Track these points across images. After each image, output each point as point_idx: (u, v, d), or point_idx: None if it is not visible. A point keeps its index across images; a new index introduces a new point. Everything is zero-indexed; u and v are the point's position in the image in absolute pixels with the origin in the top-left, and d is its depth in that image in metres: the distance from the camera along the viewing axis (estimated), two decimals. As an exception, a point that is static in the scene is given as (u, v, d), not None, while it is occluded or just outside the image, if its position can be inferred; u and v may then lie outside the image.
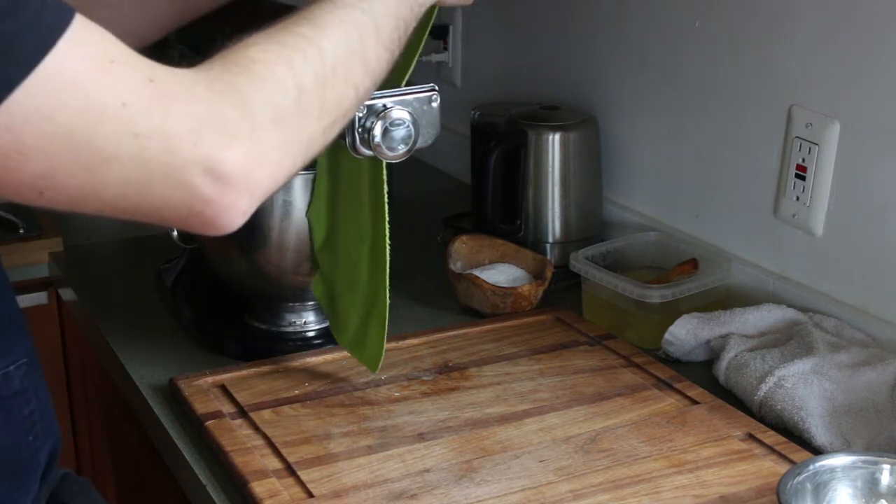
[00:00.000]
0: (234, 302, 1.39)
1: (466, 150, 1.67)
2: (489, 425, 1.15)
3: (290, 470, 1.07)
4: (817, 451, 1.10)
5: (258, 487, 1.04)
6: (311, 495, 1.03)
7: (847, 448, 1.10)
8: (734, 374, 1.23)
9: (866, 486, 0.99)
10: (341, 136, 1.03)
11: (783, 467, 1.06)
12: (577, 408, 1.18)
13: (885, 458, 1.00)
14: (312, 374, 1.25)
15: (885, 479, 1.00)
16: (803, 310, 1.32)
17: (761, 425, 1.15)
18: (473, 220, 1.61)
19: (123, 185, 0.77)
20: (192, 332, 1.38)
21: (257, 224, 1.25)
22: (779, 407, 1.16)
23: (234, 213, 0.81)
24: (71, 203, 0.78)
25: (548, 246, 1.57)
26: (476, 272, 1.44)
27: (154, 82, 0.77)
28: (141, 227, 0.84)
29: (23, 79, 0.71)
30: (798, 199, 1.34)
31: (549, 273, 1.44)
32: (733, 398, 1.22)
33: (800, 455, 1.09)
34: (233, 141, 0.79)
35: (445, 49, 2.01)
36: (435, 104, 1.11)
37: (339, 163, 1.19)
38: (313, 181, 1.23)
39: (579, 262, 1.42)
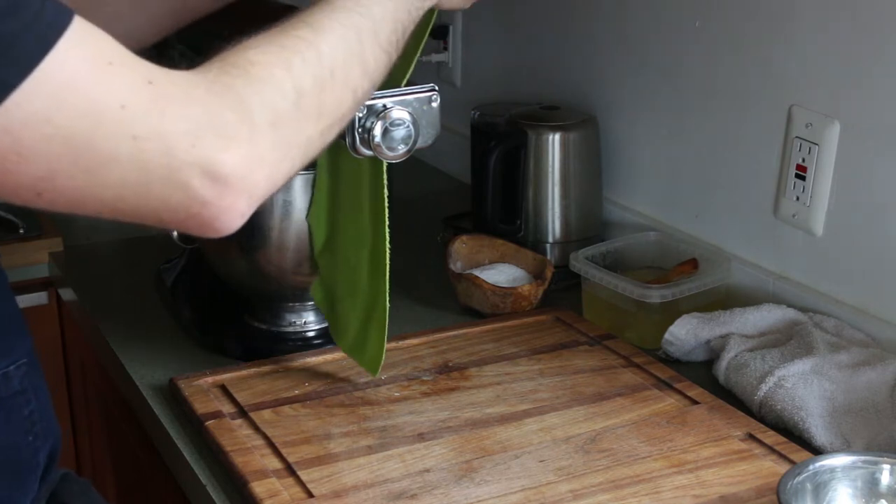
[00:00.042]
0: (234, 302, 1.39)
1: (466, 150, 1.67)
2: (489, 425, 1.15)
3: (290, 470, 1.07)
4: (817, 451, 1.10)
5: (258, 487, 1.04)
6: (311, 495, 1.03)
7: (847, 448, 1.10)
8: (734, 374, 1.23)
9: (866, 486, 0.99)
10: (341, 137, 1.03)
11: (783, 467, 1.06)
12: (577, 408, 1.19)
13: (885, 458, 1.00)
14: (312, 374, 1.25)
15: (885, 479, 0.99)
16: (803, 310, 1.32)
17: (761, 425, 1.15)
18: (473, 220, 1.61)
19: (122, 187, 0.77)
20: (192, 332, 1.38)
21: (257, 224, 1.25)
22: (779, 407, 1.16)
23: (232, 215, 0.81)
24: (69, 205, 0.78)
25: (548, 246, 1.57)
26: (476, 272, 1.44)
27: (152, 84, 0.77)
28: (141, 228, 0.84)
29: (22, 80, 0.71)
30: (798, 199, 1.34)
31: (549, 273, 1.44)
32: (733, 398, 1.22)
33: (800, 455, 1.09)
34: (231, 143, 0.79)
35: (445, 49, 2.01)
36: (435, 104, 1.11)
37: (339, 163, 1.19)
38: (313, 181, 1.23)
39: (579, 262, 1.42)
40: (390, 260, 1.14)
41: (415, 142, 1.09)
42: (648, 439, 1.12)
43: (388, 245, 1.13)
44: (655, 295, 1.34)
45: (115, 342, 1.38)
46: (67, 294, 1.62)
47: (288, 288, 1.32)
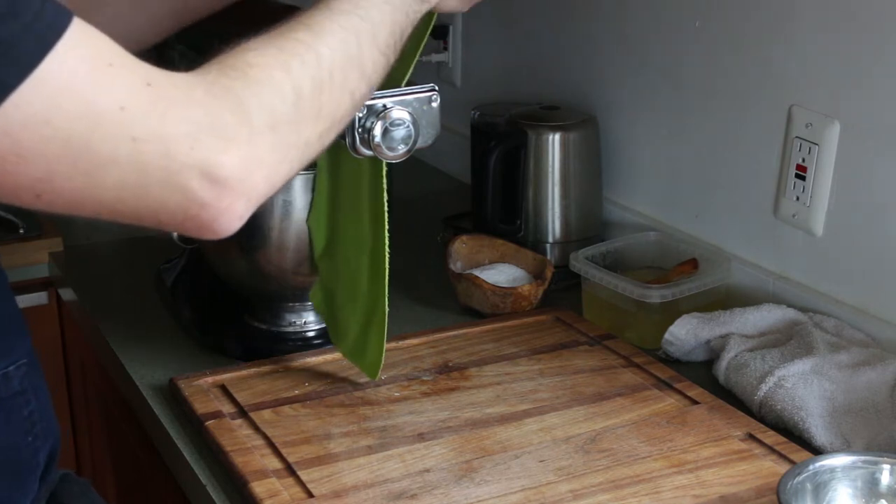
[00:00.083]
0: (234, 302, 1.39)
1: (466, 150, 1.67)
2: (489, 425, 1.15)
3: (290, 470, 1.07)
4: (817, 451, 1.10)
5: (258, 487, 1.04)
6: (311, 495, 1.03)
7: (847, 448, 1.10)
8: (734, 374, 1.23)
9: (866, 486, 0.99)
10: (341, 137, 1.03)
11: (783, 467, 1.06)
12: (577, 408, 1.19)
13: (885, 458, 1.00)
14: (312, 374, 1.25)
15: (885, 479, 0.99)
16: (803, 310, 1.32)
17: (761, 425, 1.15)
18: (473, 220, 1.61)
19: (121, 189, 0.77)
20: (192, 332, 1.38)
21: (257, 224, 1.25)
22: (779, 407, 1.16)
23: (230, 217, 0.81)
24: (68, 206, 0.78)
25: (548, 246, 1.57)
26: (476, 272, 1.44)
27: (151, 86, 0.77)
28: (141, 228, 0.84)
29: (21, 81, 0.71)
30: (798, 199, 1.34)
31: (549, 273, 1.44)
32: (733, 398, 1.22)
33: (800, 455, 1.09)
34: (230, 145, 0.79)
35: (445, 49, 2.01)
36: (435, 104, 1.11)
37: (339, 164, 1.19)
38: (313, 182, 1.23)
39: (579, 262, 1.42)
40: (390, 262, 1.14)
41: (415, 142, 1.09)
42: (648, 439, 1.12)
43: (387, 250, 1.13)
44: (655, 295, 1.34)
45: (115, 342, 1.38)
46: (67, 294, 1.62)
47: (288, 288, 1.32)
